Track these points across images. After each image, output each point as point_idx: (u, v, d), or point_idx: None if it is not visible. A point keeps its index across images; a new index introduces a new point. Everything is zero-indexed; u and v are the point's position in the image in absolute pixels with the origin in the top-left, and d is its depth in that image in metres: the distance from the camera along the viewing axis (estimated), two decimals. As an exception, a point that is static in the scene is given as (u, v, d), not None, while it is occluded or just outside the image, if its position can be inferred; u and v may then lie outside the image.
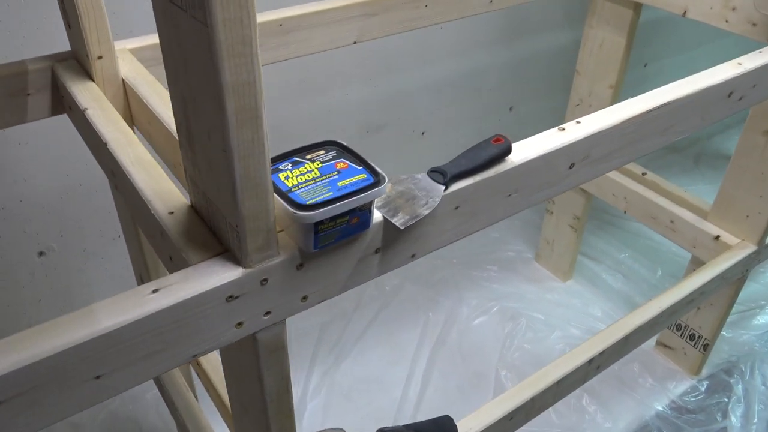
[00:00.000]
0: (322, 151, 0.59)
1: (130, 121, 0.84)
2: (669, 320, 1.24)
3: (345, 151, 0.59)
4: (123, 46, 0.89)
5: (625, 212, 1.55)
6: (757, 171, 1.28)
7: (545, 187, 0.74)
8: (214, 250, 0.55)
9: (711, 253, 1.38)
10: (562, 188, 0.77)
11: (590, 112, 0.78)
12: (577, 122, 0.76)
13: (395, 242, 0.63)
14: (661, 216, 1.46)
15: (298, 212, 0.52)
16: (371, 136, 1.80)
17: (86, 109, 0.75)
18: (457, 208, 0.66)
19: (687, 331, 1.55)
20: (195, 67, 0.46)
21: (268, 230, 0.52)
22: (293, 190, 0.54)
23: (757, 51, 0.95)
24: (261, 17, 0.99)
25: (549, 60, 2.06)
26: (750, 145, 1.28)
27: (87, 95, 0.77)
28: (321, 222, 0.53)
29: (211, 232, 0.57)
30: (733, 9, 1.18)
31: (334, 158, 0.58)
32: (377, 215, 0.60)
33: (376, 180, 0.56)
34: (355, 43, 1.10)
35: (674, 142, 0.88)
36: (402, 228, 0.59)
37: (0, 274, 1.39)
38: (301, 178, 0.55)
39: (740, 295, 1.81)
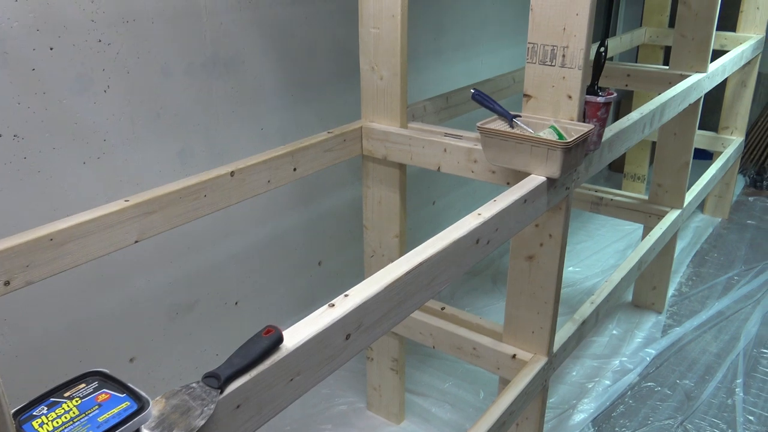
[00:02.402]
0: (83, 385, 0.58)
1: None
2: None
3: (107, 380, 0.59)
4: None
5: (433, 347, 1.65)
6: (529, 291, 1.45)
7: (327, 362, 0.78)
8: None
9: (512, 371, 1.50)
10: (344, 358, 0.81)
11: (384, 262, 0.85)
12: (345, 295, 0.82)
13: (177, 458, 0.62)
14: (464, 345, 1.58)
15: (52, 463, 0.50)
16: (183, 316, 1.76)
17: None
18: (238, 407, 0.67)
19: (513, 448, 1.63)
20: None
21: (21, 489, 0.50)
22: (48, 437, 0.52)
23: (492, 200, 1.11)
24: (29, 235, 0.97)
25: (347, 214, 2.21)
26: (518, 269, 1.46)
27: None
28: (82, 465, 0.52)
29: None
30: (475, 161, 1.38)
31: (95, 390, 0.57)
32: (151, 437, 0.59)
33: (140, 406, 0.56)
34: (136, 242, 1.11)
35: (474, 267, 0.98)
36: (176, 447, 0.58)
37: None
38: (57, 422, 0.54)
39: (554, 399, 1.97)
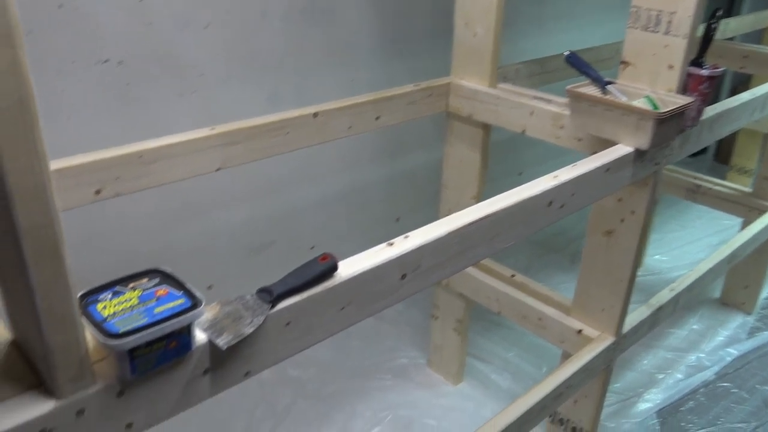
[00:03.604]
0: (145, 279, 0.62)
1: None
2: (540, 416, 1.29)
3: (168, 278, 0.63)
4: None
5: (499, 313, 1.63)
6: (604, 268, 1.41)
7: (380, 298, 0.79)
8: (29, 383, 0.56)
9: (576, 347, 1.47)
10: (398, 297, 0.82)
11: None
12: (406, 236, 0.83)
13: (225, 362, 0.65)
14: (530, 314, 1.55)
15: (108, 341, 0.54)
16: (259, 254, 1.84)
17: None
18: (288, 324, 0.70)
19: (569, 425, 1.60)
20: (-3, 211, 0.49)
21: (80, 361, 0.54)
22: (108, 320, 0.56)
23: (571, 165, 1.08)
24: (120, 150, 1.03)
25: (429, 174, 2.20)
26: (594, 244, 1.41)
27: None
28: (136, 348, 0.56)
29: (29, 366, 0.58)
30: (561, 127, 1.34)
31: (155, 285, 0.61)
32: (203, 337, 0.63)
33: (193, 304, 0.59)
34: (218, 169, 1.16)
35: (553, 244, 0.97)
36: (224, 348, 0.62)
37: None
38: (118, 308, 0.58)
39: (620, 384, 1.91)
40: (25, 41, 0.40)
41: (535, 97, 1.41)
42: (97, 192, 1.02)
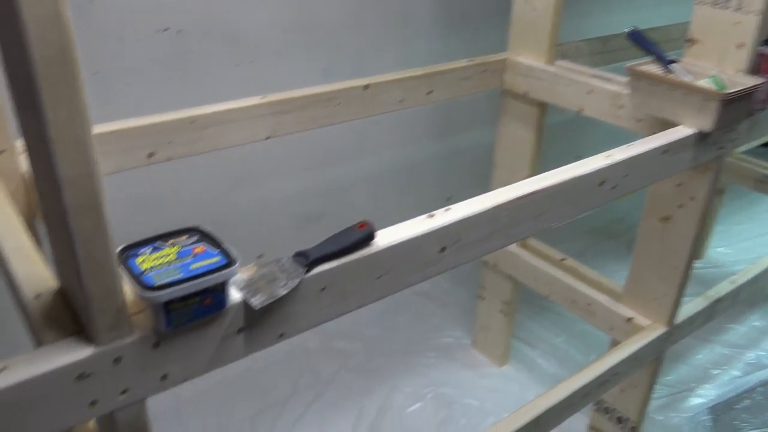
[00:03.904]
0: (185, 237, 0.63)
1: (31, 214, 0.88)
2: (583, 402, 1.27)
3: (206, 237, 0.64)
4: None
5: (547, 297, 1.60)
6: (659, 255, 1.36)
7: (417, 269, 0.79)
8: (71, 330, 0.58)
9: (626, 335, 1.42)
10: (436, 270, 0.81)
11: None
12: (447, 209, 0.82)
13: (260, 322, 0.66)
14: (579, 300, 1.52)
15: (144, 293, 0.55)
16: (309, 227, 1.86)
17: (-19, 201, 0.79)
18: (323, 289, 0.70)
19: (614, 413, 1.56)
20: (40, 161, 0.51)
21: (117, 311, 0.56)
22: (146, 272, 0.58)
23: (626, 145, 1.03)
24: (173, 115, 1.06)
25: (483, 154, 2.17)
26: (649, 230, 1.36)
27: (-14, 188, 0.82)
28: (171, 302, 0.57)
29: (72, 314, 0.60)
30: (620, 107, 1.29)
31: (193, 243, 0.63)
32: (238, 296, 0.64)
33: (228, 262, 0.60)
34: (268, 138, 1.17)
35: (610, 230, 0.94)
36: (257, 308, 0.62)
37: None
38: (156, 262, 0.59)
39: (671, 377, 1.85)
40: (88, 8, 0.41)
41: (594, 75, 1.36)
42: (150, 155, 1.05)
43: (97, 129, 0.98)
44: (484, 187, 2.24)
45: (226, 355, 0.65)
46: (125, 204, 1.47)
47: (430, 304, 2.10)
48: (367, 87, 1.25)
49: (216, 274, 0.58)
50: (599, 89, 1.32)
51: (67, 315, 0.60)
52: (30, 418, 0.54)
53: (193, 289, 0.57)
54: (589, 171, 0.95)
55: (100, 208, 0.51)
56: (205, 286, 0.58)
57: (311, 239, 1.88)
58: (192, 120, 1.07)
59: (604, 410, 1.58)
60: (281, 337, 0.69)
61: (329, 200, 1.87)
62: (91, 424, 0.82)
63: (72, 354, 0.55)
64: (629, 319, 1.42)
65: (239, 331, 0.65)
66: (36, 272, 0.66)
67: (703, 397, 1.80)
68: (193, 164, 1.43)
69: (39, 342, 0.59)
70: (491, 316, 1.83)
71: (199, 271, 0.58)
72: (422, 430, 1.65)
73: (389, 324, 1.99)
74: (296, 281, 0.66)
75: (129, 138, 1.03)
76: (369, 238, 0.72)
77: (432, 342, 1.95)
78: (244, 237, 1.72)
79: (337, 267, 0.70)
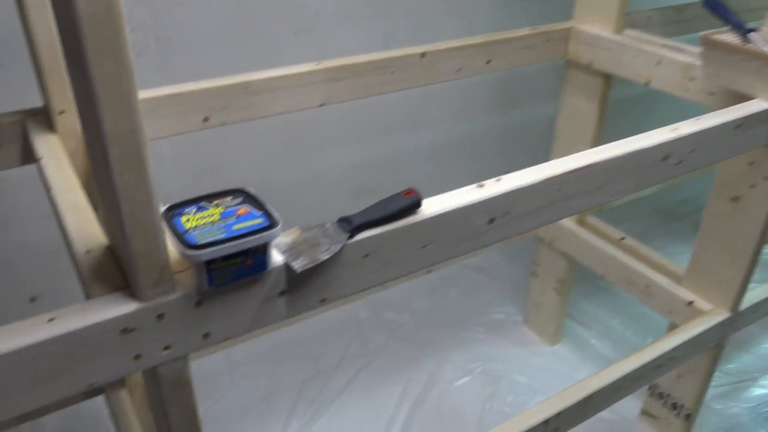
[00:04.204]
0: (229, 198, 0.64)
1: (88, 173, 0.90)
2: (635, 385, 1.23)
3: (250, 199, 0.64)
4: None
5: (603, 276, 1.55)
6: (726, 237, 1.29)
7: (464, 240, 0.77)
8: (117, 285, 0.59)
9: (685, 319, 1.37)
10: (484, 242, 0.79)
11: None
12: (498, 179, 0.79)
13: (301, 286, 0.66)
14: (637, 280, 1.46)
15: (186, 251, 0.56)
16: (364, 198, 1.85)
17: (41, 158, 0.82)
18: (366, 256, 0.69)
19: (669, 399, 1.51)
20: (88, 117, 0.52)
21: (161, 267, 0.57)
22: (189, 231, 0.58)
23: (695, 118, 0.98)
24: (228, 80, 1.06)
25: (544, 129, 2.11)
26: (718, 211, 1.29)
27: (46, 146, 0.84)
28: (213, 261, 0.57)
29: (119, 269, 0.62)
30: (691, 79, 1.21)
31: (237, 204, 0.63)
32: (280, 259, 0.64)
33: (270, 224, 0.60)
34: (321, 105, 1.17)
35: (677, 211, 0.90)
36: (298, 271, 0.62)
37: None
38: (200, 222, 0.60)
39: (733, 366, 1.78)
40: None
41: (664, 45, 1.29)
42: (205, 120, 1.06)
43: (154, 93, 1.00)
44: (543, 161, 2.19)
45: (268, 317, 0.66)
46: (179, 168, 1.50)
47: (482, 278, 2.07)
48: (424, 55, 1.23)
49: (258, 236, 0.58)
50: (669, 60, 1.25)
51: (114, 271, 0.62)
52: (77, 367, 0.56)
53: (234, 250, 0.57)
54: (652, 144, 0.90)
55: (143, 165, 0.52)
56: (246, 246, 0.58)
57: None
58: (246, 85, 1.07)
59: (659, 395, 1.53)
60: (323, 301, 0.69)
61: (383, 172, 1.86)
62: (138, 377, 0.84)
63: (116, 308, 0.57)
64: (690, 303, 1.36)
65: (281, 293, 0.65)
66: (88, 229, 0.68)
67: (766, 387, 1.72)
68: (247, 131, 1.45)
69: (88, 296, 0.60)
70: (544, 293, 1.79)
71: (241, 232, 0.58)
72: (469, 405, 1.64)
73: (440, 297, 1.98)
74: (339, 246, 0.65)
75: (185, 102, 1.04)
76: (415, 205, 0.71)
77: (482, 317, 1.93)
78: (296, 206, 1.73)
79: (381, 234, 0.69)
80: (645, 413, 1.59)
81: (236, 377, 1.67)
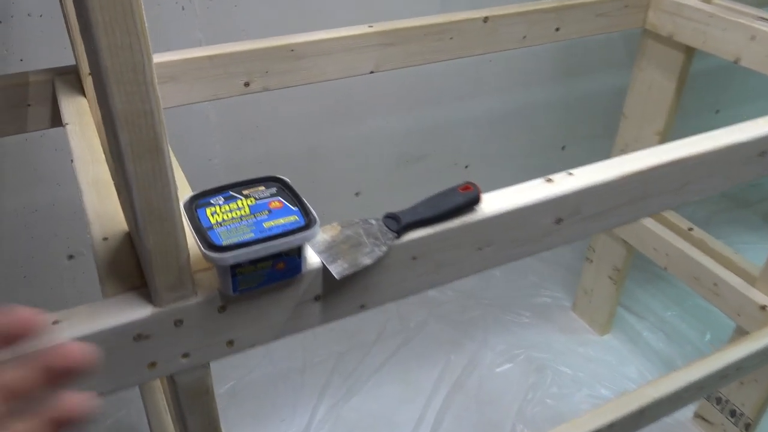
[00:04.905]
0: (262, 188, 0.55)
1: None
2: (697, 395, 1.13)
3: (285, 190, 0.56)
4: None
5: (665, 269, 1.44)
6: (813, 238, 1.16)
7: (526, 242, 0.68)
8: (133, 283, 0.53)
9: (757, 324, 1.25)
10: (548, 244, 0.70)
11: None
12: (569, 173, 0.69)
13: (339, 290, 0.58)
14: (704, 277, 1.34)
15: (209, 252, 0.48)
16: (411, 166, 1.76)
17: (68, 124, 0.75)
18: (414, 258, 0.61)
19: (727, 406, 1.41)
20: (100, 93, 0.44)
21: (179, 268, 0.49)
22: (215, 227, 0.50)
23: (801, 107, 0.85)
24: (271, 42, 0.97)
25: (611, 103, 1.96)
26: (805, 208, 1.16)
27: (73, 110, 0.78)
28: (239, 265, 0.50)
29: (137, 261, 0.55)
30: (791, 59, 1.07)
31: (271, 196, 0.55)
32: (316, 260, 0.56)
33: (307, 223, 0.51)
34: (371, 72, 1.07)
35: (744, 197, 0.79)
36: (338, 277, 0.54)
37: (30, 274, 1.44)
38: (228, 215, 0.52)
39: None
40: None
41: (760, 18, 1.14)
42: (246, 84, 0.98)
43: (190, 54, 0.92)
44: (606, 138, 2.04)
45: (300, 323, 0.58)
46: (220, 132, 1.43)
47: (530, 259, 1.95)
48: (486, 20, 1.11)
49: (291, 237, 0.50)
50: (765, 35, 1.10)
51: (132, 264, 0.55)
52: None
53: (263, 253, 0.49)
54: (749, 138, 0.78)
55: (161, 151, 0.44)
56: (278, 249, 0.50)
57: (412, 181, 1.79)
58: (291, 48, 0.98)
59: (716, 399, 1.43)
60: (362, 307, 0.61)
61: (433, 141, 1.76)
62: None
63: (129, 313, 0.50)
64: (763, 307, 1.24)
65: (316, 298, 0.58)
66: (108, 210, 0.61)
67: (835, 397, 1.59)
68: (291, 92, 1.36)
69: (102, 292, 0.54)
70: (598, 280, 1.68)
71: (272, 232, 0.50)
72: (509, 393, 1.56)
73: (485, 276, 1.89)
74: (384, 249, 0.57)
75: (225, 64, 0.96)
76: (473, 202, 0.62)
77: (528, 300, 1.83)
78: (341, 173, 1.65)
79: (433, 234, 0.60)
80: (699, 417, 1.49)
81: (271, 347, 1.63)
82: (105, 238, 0.57)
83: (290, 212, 0.53)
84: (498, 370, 1.62)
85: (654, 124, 1.38)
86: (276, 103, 1.44)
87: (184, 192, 0.55)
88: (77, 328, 0.48)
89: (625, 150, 1.46)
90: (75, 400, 0.31)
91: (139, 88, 0.41)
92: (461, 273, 0.65)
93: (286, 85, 1.01)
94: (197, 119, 1.39)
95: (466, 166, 1.88)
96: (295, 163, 1.56)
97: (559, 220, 0.68)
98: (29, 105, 0.85)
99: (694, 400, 1.14)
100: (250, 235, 0.50)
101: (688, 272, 1.38)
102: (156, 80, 0.41)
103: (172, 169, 0.45)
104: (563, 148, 2.01)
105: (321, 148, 1.59)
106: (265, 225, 0.51)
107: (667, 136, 1.39)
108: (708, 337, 1.73)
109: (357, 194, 1.72)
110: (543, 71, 1.80)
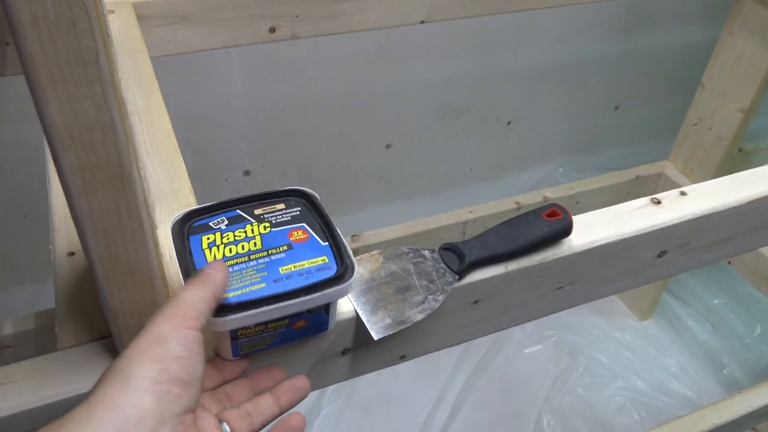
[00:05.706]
0: (282, 206, 0.40)
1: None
2: (762, 419, 1.00)
3: (313, 211, 0.40)
4: (126, -4, 0.72)
5: (729, 263, 1.28)
6: None
7: (617, 279, 0.53)
8: (99, 330, 0.39)
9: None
10: (640, 281, 0.55)
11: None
12: (682, 193, 0.53)
13: (373, 343, 0.44)
14: (761, 266, 1.19)
15: (199, 314, 0.34)
16: (450, 119, 1.59)
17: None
18: (476, 302, 0.46)
19: (779, 417, 1.28)
20: (32, 93, 0.28)
21: (159, 328, 0.35)
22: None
23: None
24: (303, -21, 0.80)
25: (673, 59, 1.75)
26: None
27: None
28: (243, 327, 0.35)
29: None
30: None
31: (293, 221, 0.39)
32: (348, 307, 0.41)
33: (340, 271, 0.36)
34: (422, 22, 0.89)
35: None
36: (377, 338, 0.40)
37: (30, 213, 1.31)
38: (231, 250, 0.37)
39: None
40: None
41: None
42: (272, 30, 0.81)
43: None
44: (665, 100, 1.83)
45: (321, 380, 0.44)
46: (242, 70, 1.27)
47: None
48: (564, -35, 0.92)
49: (318, 294, 0.35)
50: None
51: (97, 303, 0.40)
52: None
53: (277, 315, 0.35)
54: None
55: (131, 181, 0.28)
56: (296, 310, 0.35)
57: (449, 136, 1.60)
58: (327, -13, 0.80)
59: None
60: (402, 358, 0.47)
61: (476, 93, 1.57)
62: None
63: (85, 377, 0.36)
64: (843, 322, 1.09)
65: (344, 352, 0.43)
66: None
67: None
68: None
69: (58, 334, 0.40)
70: (645, 263, 1.53)
71: (291, 285, 0.35)
72: (537, 377, 1.44)
73: (519, 244, 1.74)
74: (441, 298, 0.42)
75: (248, 5, 0.79)
76: (562, 234, 0.46)
77: (565, 275, 1.69)
78: (375, 122, 1.49)
79: (504, 275, 0.45)
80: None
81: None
82: (71, 253, 0.43)
83: (318, 250, 0.38)
84: (526, 351, 1.50)
85: (738, 100, 1.19)
86: (304, 42, 1.26)
87: (188, 203, 0.40)
88: (20, 399, 0.35)
89: (698, 125, 1.28)
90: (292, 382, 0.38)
91: (94, 89, 0.25)
92: (528, 317, 0.51)
93: (320, 34, 0.84)
94: (216, 52, 1.23)
95: (509, 123, 1.70)
96: (323, 108, 1.40)
97: (662, 253, 0.53)
98: (7, 44, 0.69)
99: (759, 423, 1.01)
100: (260, 286, 0.35)
101: (755, 270, 1.22)
102: (119, 76, 0.25)
103: (146, 204, 0.30)
104: (616, 108, 1.82)
105: (352, 94, 1.42)
106: (282, 270, 0.36)
107: (752, 113, 1.20)
108: (758, 331, 1.58)
109: (388, 146, 1.56)
110: (604, 23, 1.59)
